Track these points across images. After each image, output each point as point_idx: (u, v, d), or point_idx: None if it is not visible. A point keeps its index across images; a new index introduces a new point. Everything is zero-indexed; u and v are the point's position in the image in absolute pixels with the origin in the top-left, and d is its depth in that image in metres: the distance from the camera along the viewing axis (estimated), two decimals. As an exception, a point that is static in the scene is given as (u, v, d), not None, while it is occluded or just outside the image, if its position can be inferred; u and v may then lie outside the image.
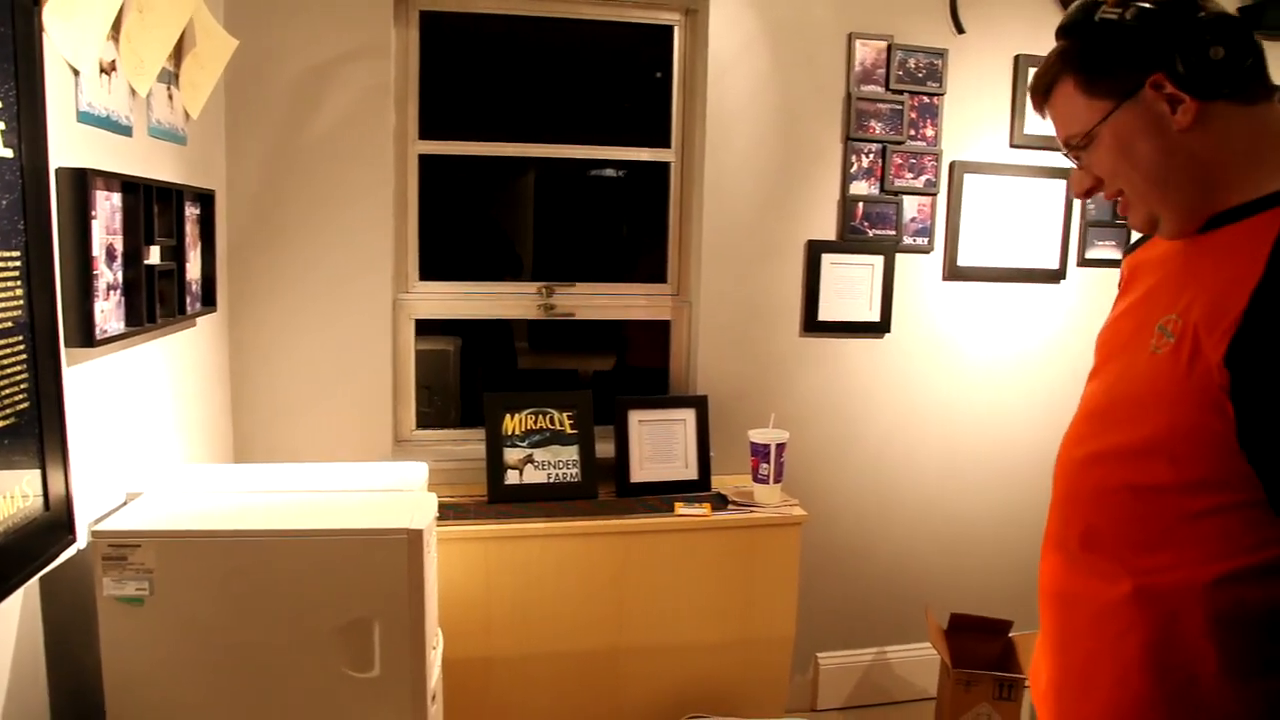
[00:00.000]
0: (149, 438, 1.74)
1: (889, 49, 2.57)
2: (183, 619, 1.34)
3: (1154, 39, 0.93)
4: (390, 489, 1.60)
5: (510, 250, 3.62)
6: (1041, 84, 1.06)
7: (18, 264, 1.23)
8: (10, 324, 1.21)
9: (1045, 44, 2.86)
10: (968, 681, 2.49)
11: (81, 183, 1.37)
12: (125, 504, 1.50)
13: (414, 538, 1.37)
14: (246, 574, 1.34)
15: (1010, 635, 2.65)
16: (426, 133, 2.43)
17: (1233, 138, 0.95)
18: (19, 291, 1.24)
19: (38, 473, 1.29)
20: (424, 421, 2.61)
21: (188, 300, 1.87)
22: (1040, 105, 1.08)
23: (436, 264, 2.54)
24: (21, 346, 1.24)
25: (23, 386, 1.24)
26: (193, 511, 1.43)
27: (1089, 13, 0.98)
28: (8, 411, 1.20)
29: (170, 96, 1.81)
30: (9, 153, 1.20)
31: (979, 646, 2.64)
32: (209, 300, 2.01)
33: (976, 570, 2.91)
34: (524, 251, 3.62)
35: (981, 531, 2.90)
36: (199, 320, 2.03)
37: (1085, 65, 0.99)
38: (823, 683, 2.84)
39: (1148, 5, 0.94)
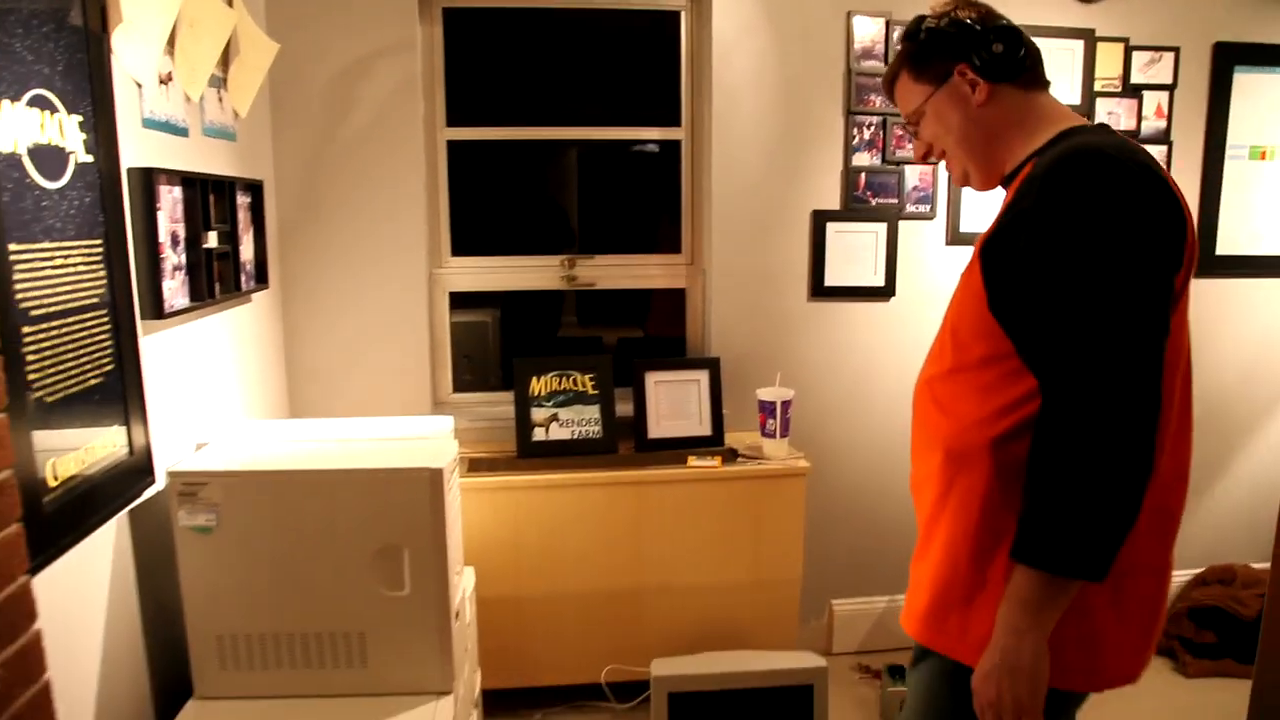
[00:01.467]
0: (214, 397, 2.00)
1: (887, 24, 2.70)
2: (244, 545, 1.59)
3: (960, 40, 1.31)
4: (419, 437, 1.83)
5: (543, 224, 3.82)
6: (889, 77, 1.44)
7: (100, 250, 1.48)
8: (96, 300, 1.46)
9: (1040, 15, 2.96)
10: (967, 620, 2.65)
11: (148, 180, 1.61)
12: (196, 451, 1.76)
13: (435, 475, 1.59)
14: (297, 506, 1.59)
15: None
16: (453, 120, 2.65)
17: (1012, 113, 1.32)
18: (101, 273, 1.48)
19: (123, 426, 1.54)
20: (464, 386, 2.86)
21: (243, 279, 2.12)
22: (890, 93, 1.45)
23: (468, 240, 2.77)
24: (106, 319, 1.49)
25: (108, 352, 1.49)
26: (252, 455, 1.67)
27: (919, 24, 1.36)
28: (97, 372, 1.45)
29: (220, 99, 2.05)
30: (89, 158, 1.44)
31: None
32: (262, 278, 2.26)
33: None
34: (552, 226, 3.83)
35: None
36: (254, 296, 2.29)
37: (916, 60, 1.37)
38: (837, 627, 3.03)
39: (956, 17, 1.32)
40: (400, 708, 1.62)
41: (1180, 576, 3.22)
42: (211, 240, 1.91)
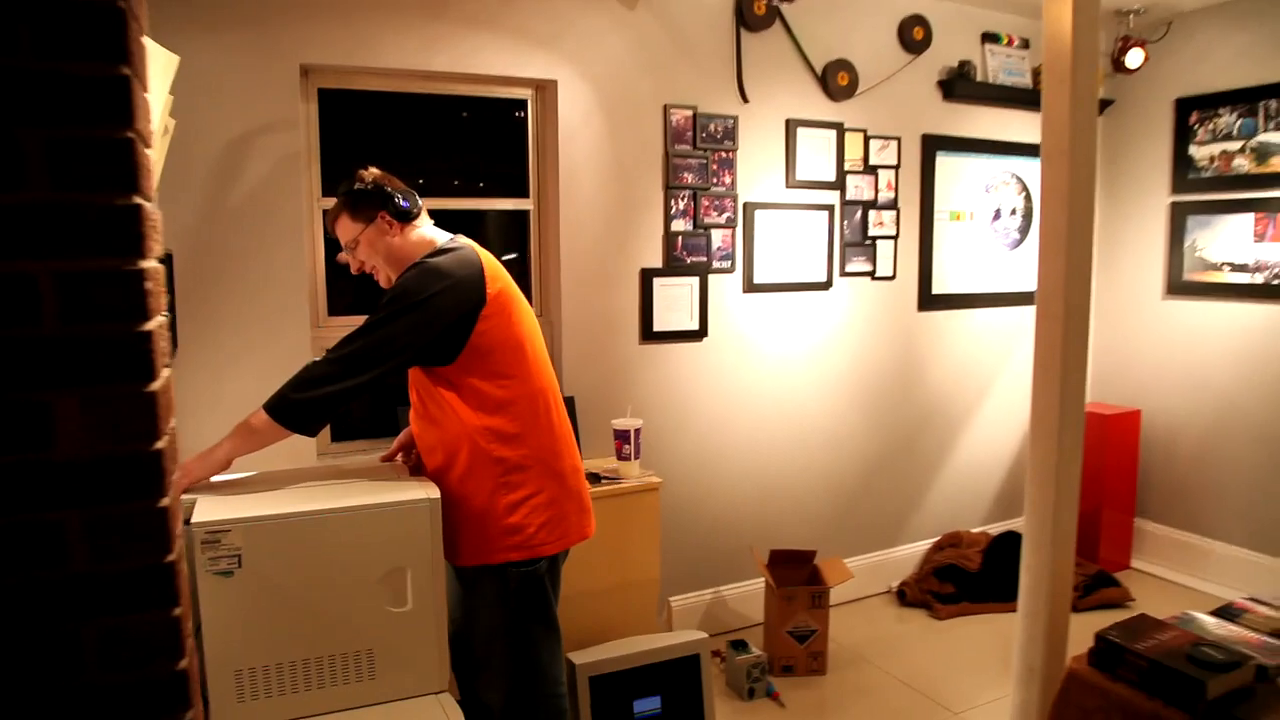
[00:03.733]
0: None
1: (694, 116, 3.30)
2: (264, 583, 1.75)
3: (378, 197, 2.08)
4: (382, 475, 2.07)
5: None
6: (332, 216, 2.14)
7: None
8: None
9: (808, 110, 3.71)
10: (789, 597, 3.26)
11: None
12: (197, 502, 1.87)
13: (434, 504, 1.87)
14: (312, 543, 1.78)
15: (815, 562, 3.46)
16: (328, 191, 2.86)
17: (413, 241, 2.10)
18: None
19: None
20: (347, 434, 3.02)
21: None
22: (332, 227, 2.16)
23: (344, 302, 2.96)
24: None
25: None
26: (264, 501, 1.83)
27: (353, 183, 2.10)
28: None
29: (149, 176, 2.15)
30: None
31: (792, 573, 3.43)
32: (174, 345, 2.35)
33: (785, 516, 3.71)
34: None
35: (785, 486, 3.70)
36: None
37: (351, 206, 2.09)
38: (675, 621, 3.51)
39: (380, 182, 2.09)
40: (411, 710, 1.86)
41: (923, 545, 4.09)
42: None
